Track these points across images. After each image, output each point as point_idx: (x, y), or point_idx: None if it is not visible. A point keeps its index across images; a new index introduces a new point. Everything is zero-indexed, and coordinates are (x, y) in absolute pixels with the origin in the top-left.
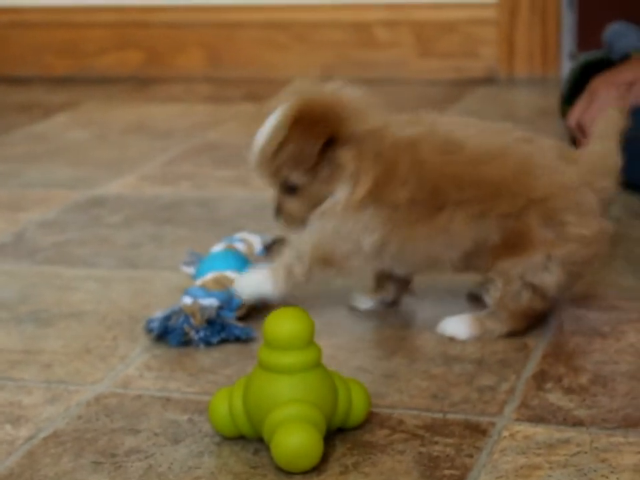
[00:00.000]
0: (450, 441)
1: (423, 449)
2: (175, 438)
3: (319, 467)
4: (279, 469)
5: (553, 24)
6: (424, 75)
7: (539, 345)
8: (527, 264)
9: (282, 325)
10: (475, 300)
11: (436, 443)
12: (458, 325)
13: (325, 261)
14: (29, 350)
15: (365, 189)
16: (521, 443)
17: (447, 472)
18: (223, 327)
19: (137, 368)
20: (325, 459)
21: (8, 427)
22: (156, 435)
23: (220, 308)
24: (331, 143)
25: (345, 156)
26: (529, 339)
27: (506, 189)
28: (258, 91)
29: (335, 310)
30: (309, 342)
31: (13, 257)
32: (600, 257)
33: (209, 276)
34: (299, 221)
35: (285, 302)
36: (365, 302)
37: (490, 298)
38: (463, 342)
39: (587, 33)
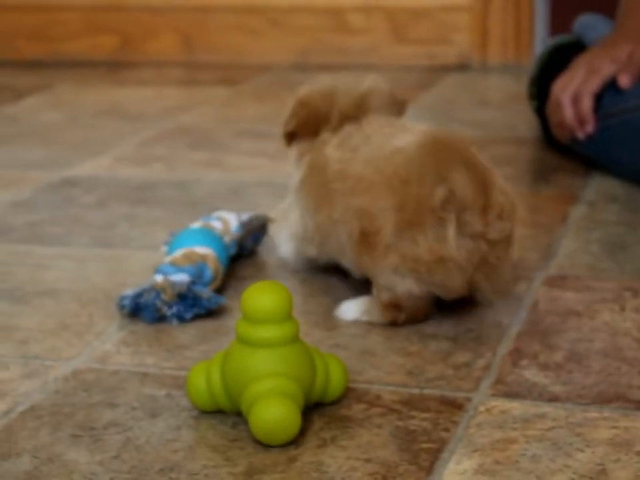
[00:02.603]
0: (426, 415)
1: (400, 423)
2: (153, 412)
3: (296, 441)
4: (257, 442)
5: (526, 11)
6: (397, 61)
7: (513, 323)
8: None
9: (260, 298)
10: None
11: (413, 417)
12: (351, 307)
13: None
14: (4, 327)
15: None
16: (497, 417)
17: (424, 445)
18: (195, 301)
19: (114, 344)
20: (302, 432)
21: None
22: (134, 409)
23: (192, 283)
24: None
25: (299, 147)
26: (503, 317)
27: None
28: (231, 76)
29: (311, 288)
30: (287, 316)
31: None
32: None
33: (178, 252)
34: None
35: (263, 278)
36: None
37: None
38: (439, 321)
39: (560, 20)
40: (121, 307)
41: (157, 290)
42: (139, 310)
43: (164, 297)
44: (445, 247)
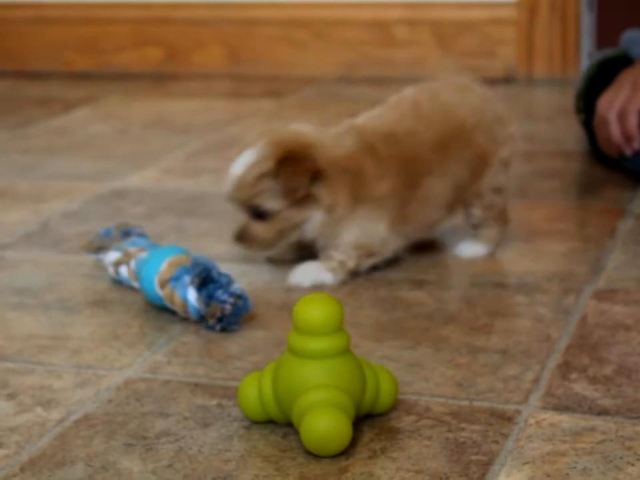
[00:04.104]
0: (476, 427)
1: (450, 435)
2: (204, 422)
3: (347, 451)
4: (308, 453)
5: (572, 24)
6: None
7: (562, 336)
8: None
9: (312, 310)
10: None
11: (462, 429)
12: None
13: (368, 253)
14: (56, 336)
15: (344, 208)
16: (547, 430)
17: (473, 457)
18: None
19: (165, 354)
20: (353, 443)
21: (39, 409)
22: (185, 418)
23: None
24: (313, 179)
25: (321, 190)
26: (552, 330)
27: (450, 138)
28: (277, 88)
29: (360, 300)
30: (339, 328)
31: (39, 246)
32: None
33: (161, 284)
34: (263, 244)
35: (312, 289)
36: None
37: (475, 219)
38: (488, 333)
39: (606, 34)
40: (221, 329)
41: (224, 306)
42: (231, 324)
43: (232, 298)
44: None
